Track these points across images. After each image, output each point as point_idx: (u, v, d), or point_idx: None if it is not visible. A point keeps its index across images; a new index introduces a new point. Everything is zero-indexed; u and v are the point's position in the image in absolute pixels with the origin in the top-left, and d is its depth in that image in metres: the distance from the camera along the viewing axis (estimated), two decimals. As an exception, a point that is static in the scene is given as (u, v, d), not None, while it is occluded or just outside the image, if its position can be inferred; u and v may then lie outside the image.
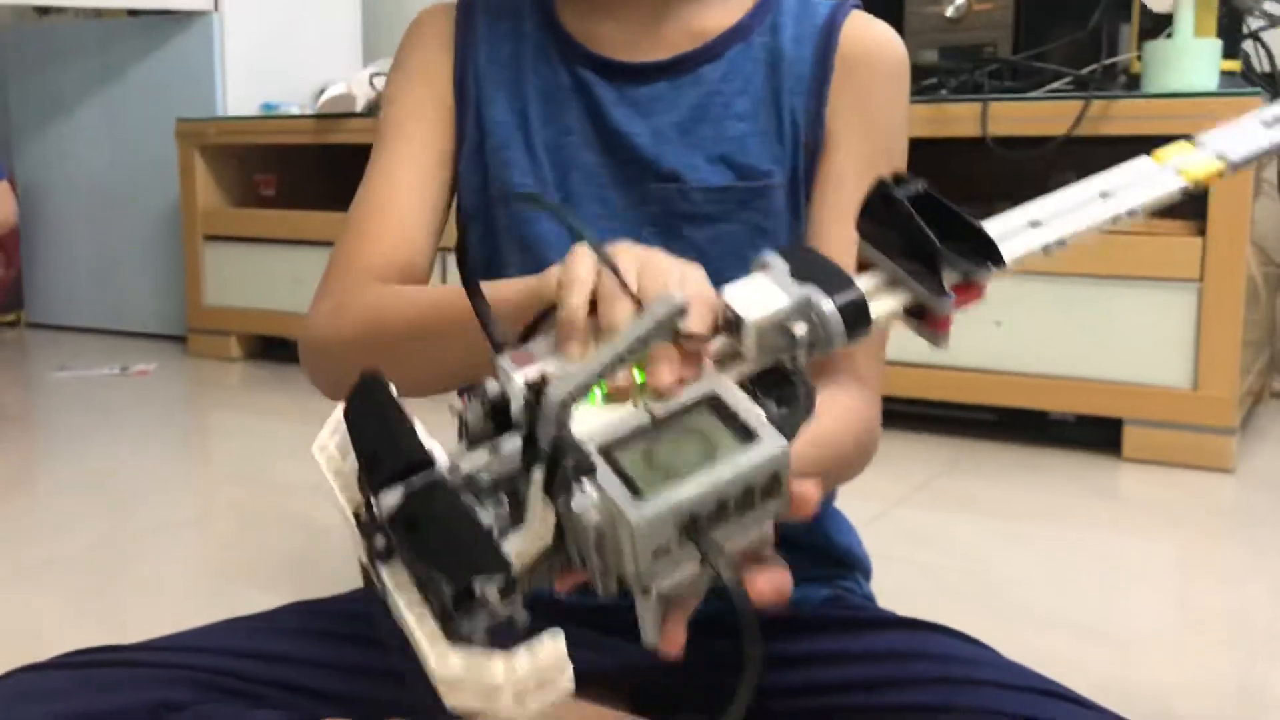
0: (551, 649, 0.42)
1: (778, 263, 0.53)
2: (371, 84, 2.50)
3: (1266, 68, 1.98)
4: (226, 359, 2.67)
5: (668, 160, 0.79)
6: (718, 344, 0.52)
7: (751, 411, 0.49)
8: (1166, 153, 0.59)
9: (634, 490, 0.46)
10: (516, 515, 0.47)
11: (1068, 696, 0.70)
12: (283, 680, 0.78)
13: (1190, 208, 1.80)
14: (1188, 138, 0.60)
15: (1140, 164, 0.59)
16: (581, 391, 0.46)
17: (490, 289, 0.63)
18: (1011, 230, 0.55)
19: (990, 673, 0.73)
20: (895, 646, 0.76)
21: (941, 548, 1.42)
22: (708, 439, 0.48)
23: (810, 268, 0.52)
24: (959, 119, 1.88)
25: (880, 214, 0.53)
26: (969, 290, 0.52)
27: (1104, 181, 0.58)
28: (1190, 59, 1.79)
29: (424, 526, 0.44)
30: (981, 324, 1.89)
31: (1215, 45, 1.81)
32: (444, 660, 0.42)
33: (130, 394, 2.33)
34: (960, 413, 2.00)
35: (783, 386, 0.51)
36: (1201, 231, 1.75)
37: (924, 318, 0.53)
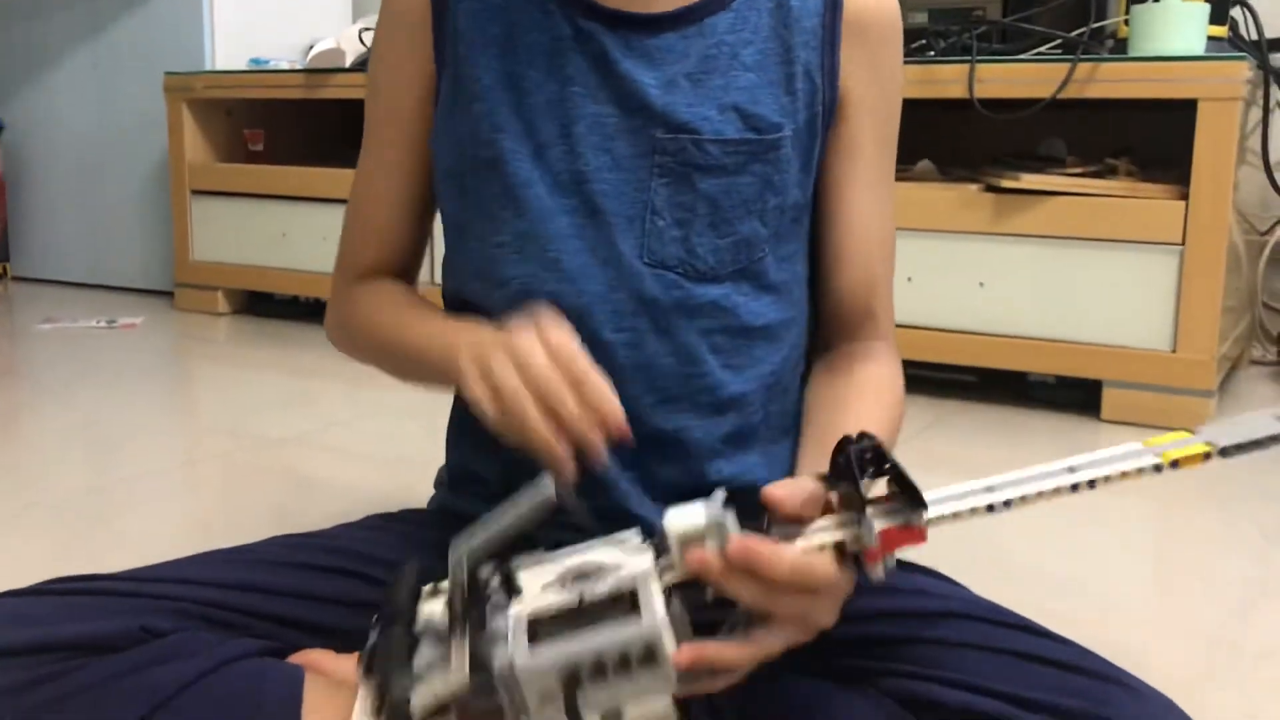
0: None
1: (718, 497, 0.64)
2: (360, 39, 2.49)
3: (1253, 34, 1.99)
4: (214, 313, 2.67)
5: (680, 111, 0.78)
6: (664, 560, 0.63)
7: (652, 599, 0.60)
8: (1159, 441, 0.63)
9: (531, 637, 0.60)
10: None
11: (1038, 630, 0.71)
12: (263, 610, 0.79)
13: (1174, 172, 1.81)
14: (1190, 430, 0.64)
15: (1127, 448, 0.64)
16: (474, 552, 0.63)
17: (423, 331, 0.81)
18: (964, 493, 0.64)
19: (962, 606, 0.75)
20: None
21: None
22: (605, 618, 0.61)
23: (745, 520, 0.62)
24: (947, 81, 1.88)
25: (838, 464, 0.64)
26: (900, 534, 0.61)
27: (1076, 460, 0.66)
28: (1178, 23, 1.79)
29: (378, 655, 0.64)
30: (964, 285, 1.90)
31: (1203, 10, 1.81)
32: None
33: (117, 346, 2.33)
34: (941, 374, 2.01)
35: (697, 592, 0.62)
36: (1184, 195, 1.76)
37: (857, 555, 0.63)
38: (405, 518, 0.91)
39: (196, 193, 2.67)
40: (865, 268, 0.85)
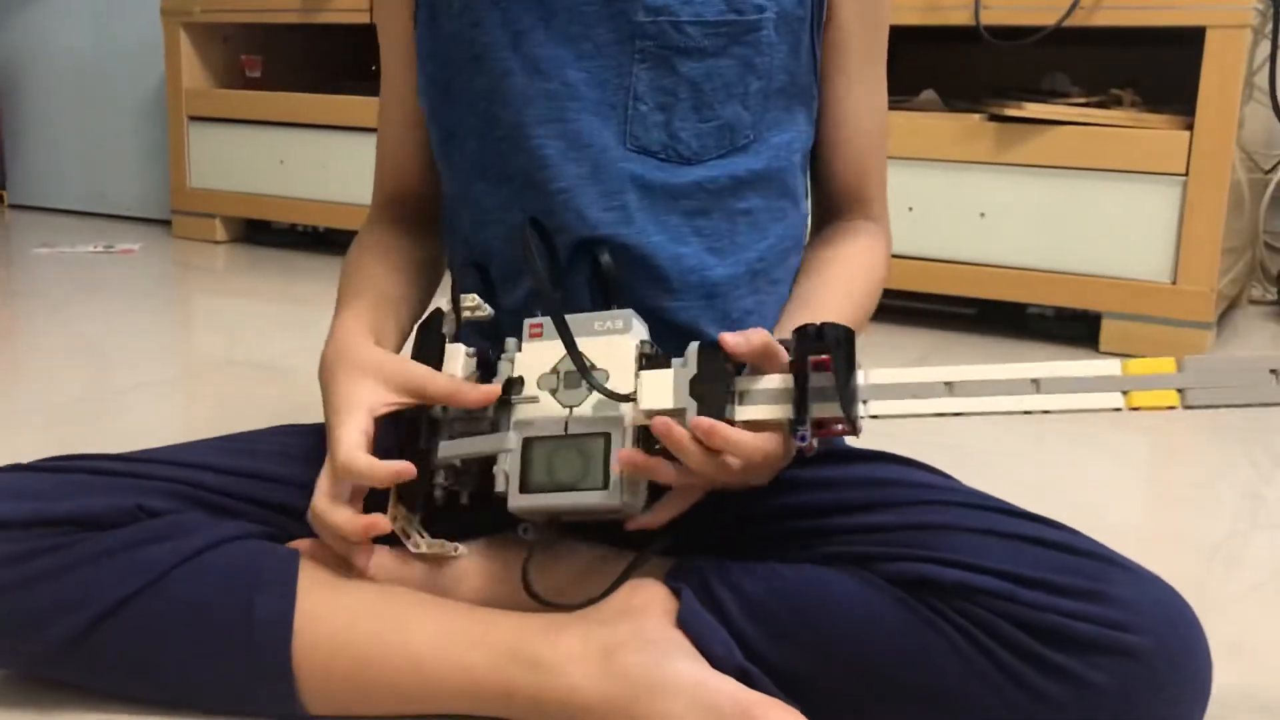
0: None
1: (692, 364, 0.70)
2: (360, -36, 2.45)
3: (1264, -34, 1.96)
4: (211, 241, 2.66)
5: None
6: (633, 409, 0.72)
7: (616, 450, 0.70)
8: (1136, 366, 0.64)
9: (522, 486, 0.72)
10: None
11: (1036, 517, 0.72)
12: (259, 497, 0.79)
13: (1178, 106, 1.79)
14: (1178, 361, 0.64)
15: (1099, 366, 0.64)
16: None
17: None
18: (921, 385, 0.67)
19: (957, 496, 0.75)
20: (870, 474, 0.78)
21: (919, 429, 1.43)
22: (585, 469, 0.71)
23: (709, 380, 0.69)
24: (951, 7, 1.86)
25: (800, 343, 0.68)
26: (832, 425, 0.67)
27: (1042, 370, 0.66)
28: (1187, -49, 1.77)
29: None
30: (964, 216, 1.89)
31: (1213, -62, 1.78)
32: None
33: (114, 271, 2.32)
34: (940, 305, 2.01)
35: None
36: (1189, 126, 1.74)
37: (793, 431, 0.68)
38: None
39: (194, 119, 2.65)
40: (856, 157, 0.87)
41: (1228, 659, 0.76)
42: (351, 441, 0.72)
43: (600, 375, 0.73)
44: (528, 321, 0.78)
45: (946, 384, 0.67)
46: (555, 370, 0.75)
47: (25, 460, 0.79)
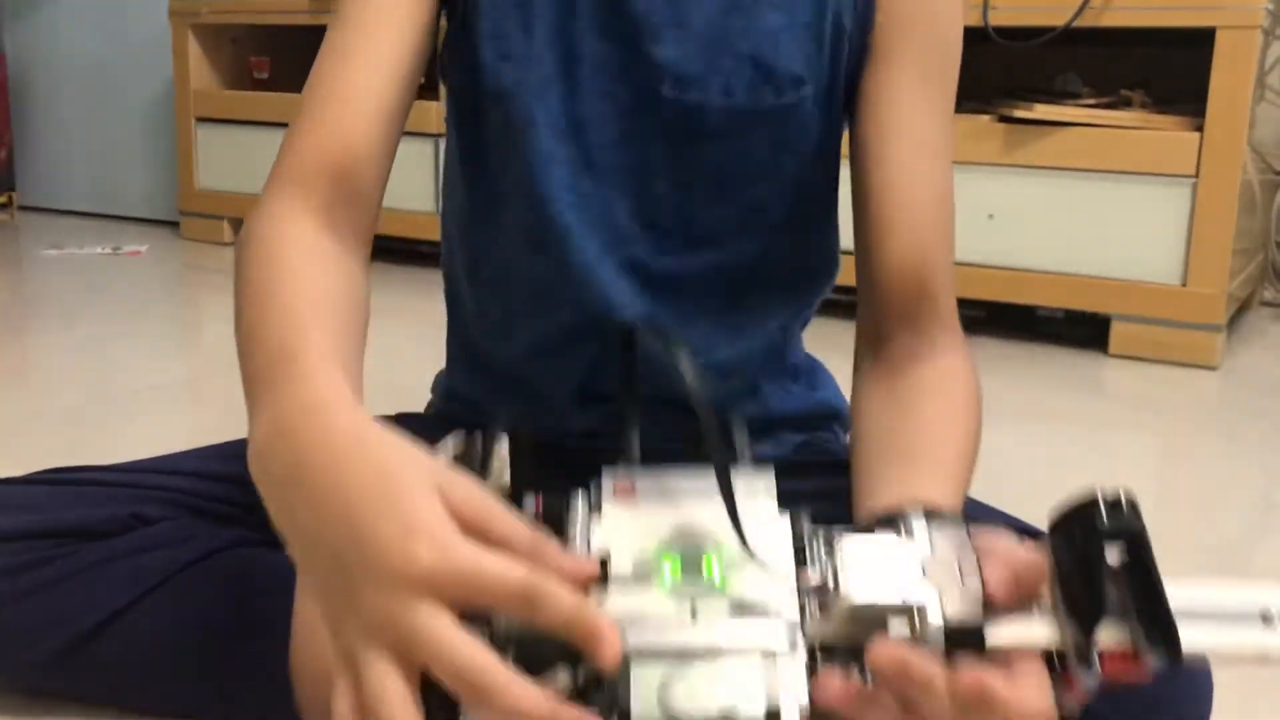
0: None
1: (921, 537, 0.49)
2: (368, -35, 2.45)
3: (1276, -34, 1.95)
4: (219, 243, 2.66)
5: (690, 64, 0.69)
6: (809, 584, 0.49)
7: (791, 695, 0.45)
8: None
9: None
10: None
11: (1038, 533, 0.71)
12: (254, 503, 0.78)
13: (1189, 107, 1.78)
14: None
15: None
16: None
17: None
18: (1216, 610, 0.46)
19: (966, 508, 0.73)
20: None
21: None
22: (732, 699, 0.45)
23: (948, 556, 0.48)
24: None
25: (1071, 535, 0.47)
26: (1126, 663, 0.45)
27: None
28: (1198, -49, 1.75)
29: None
30: (974, 218, 1.88)
31: (1224, -63, 1.77)
32: None
33: (122, 272, 2.33)
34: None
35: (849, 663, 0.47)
36: (1199, 127, 1.73)
37: (1059, 668, 0.47)
38: (402, 420, 0.90)
39: (202, 120, 2.65)
40: (913, 233, 0.70)
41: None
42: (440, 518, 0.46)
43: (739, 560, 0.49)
44: (610, 473, 0.53)
45: (1264, 616, 0.46)
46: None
47: (25, 470, 0.79)
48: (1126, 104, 1.87)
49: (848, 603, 0.46)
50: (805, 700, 0.45)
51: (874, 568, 0.48)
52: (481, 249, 0.79)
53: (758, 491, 0.52)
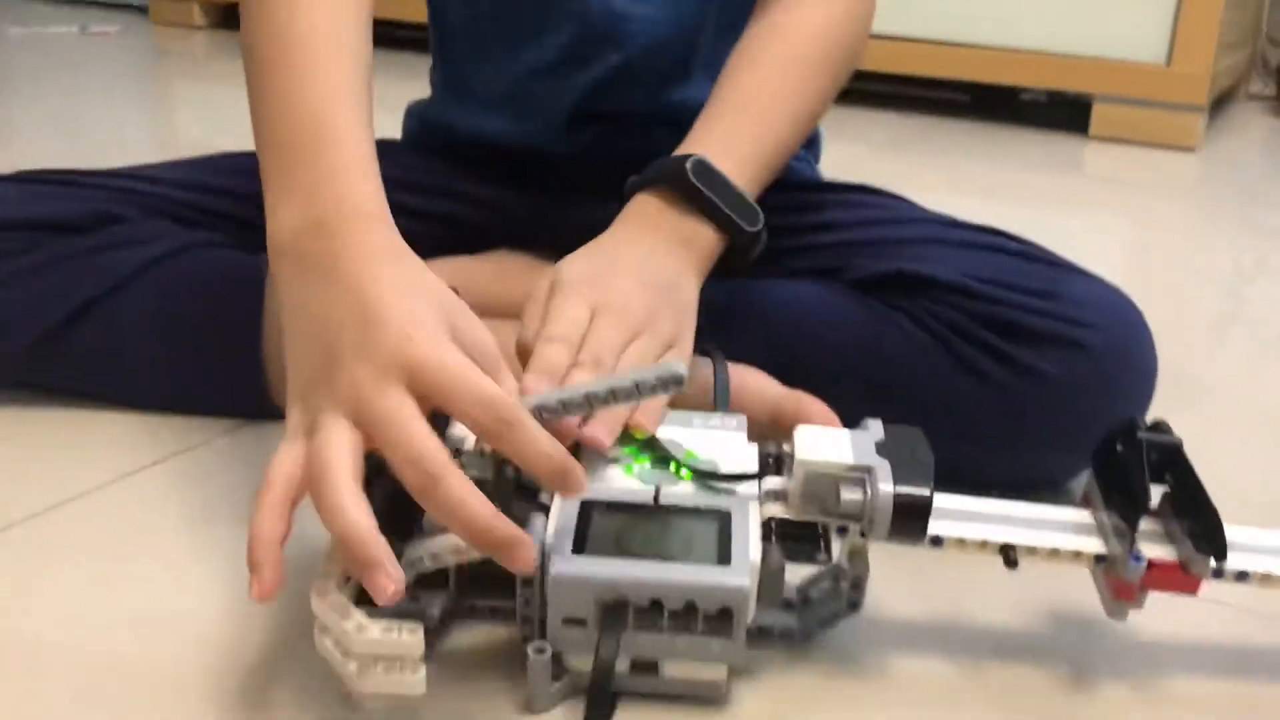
0: (410, 640, 0.44)
1: (875, 430, 0.51)
2: None
3: None
4: (189, 26, 2.59)
5: None
6: (770, 481, 0.51)
7: (745, 542, 0.48)
8: None
9: (578, 548, 0.47)
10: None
11: (1001, 233, 0.72)
12: (225, 211, 0.79)
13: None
14: None
15: None
16: (548, 409, 0.47)
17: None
18: (1260, 544, 0.50)
19: (925, 215, 0.76)
20: (842, 199, 0.78)
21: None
22: (689, 544, 0.48)
23: (901, 452, 0.49)
24: None
25: (1115, 452, 0.50)
26: (1174, 574, 0.48)
27: None
28: None
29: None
30: (961, -5, 1.84)
31: None
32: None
33: (90, 54, 2.27)
34: (934, 92, 1.97)
35: (809, 552, 0.49)
36: (1194, -102, 1.69)
37: (1109, 574, 0.50)
38: (381, 147, 0.89)
39: (168, -103, 2.55)
40: None
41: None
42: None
43: (705, 464, 0.53)
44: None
45: None
46: (634, 452, 0.54)
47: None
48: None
49: (803, 468, 0.49)
50: (757, 557, 0.48)
51: (826, 443, 0.50)
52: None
53: (730, 427, 0.55)
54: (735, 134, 0.66)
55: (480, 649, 0.52)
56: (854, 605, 0.51)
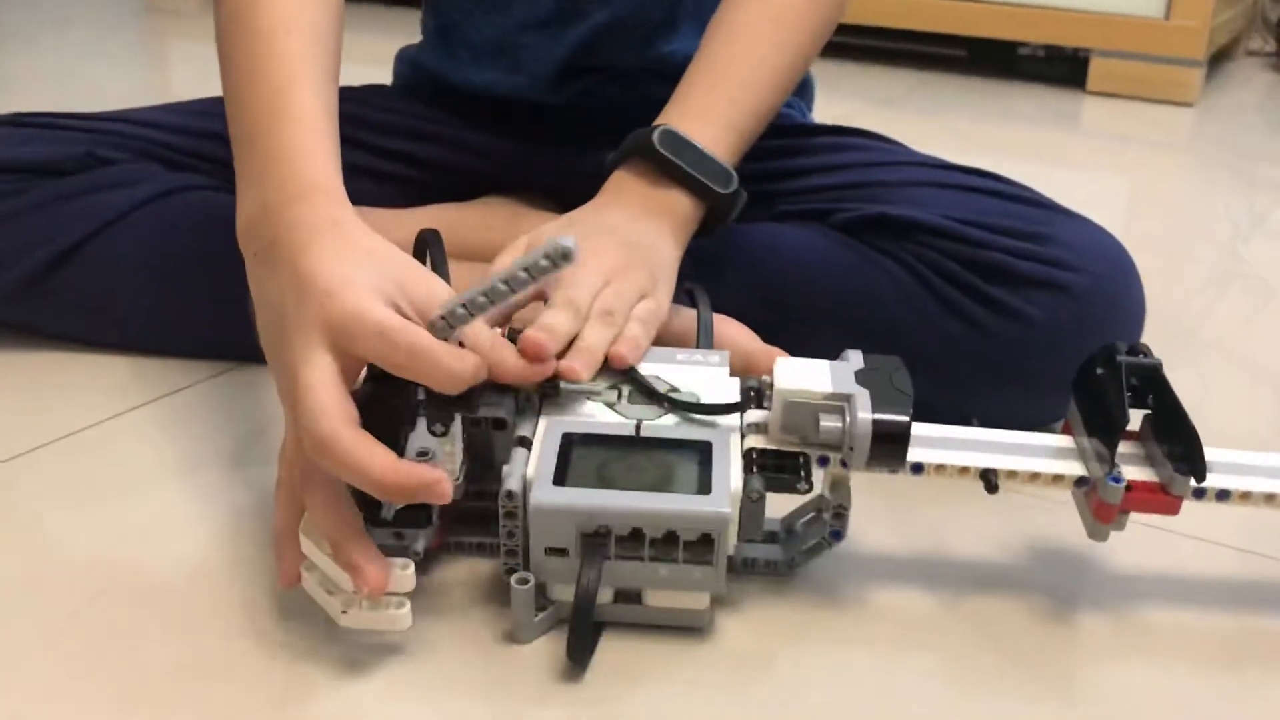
0: (401, 576, 0.46)
1: (855, 361, 0.51)
2: None
3: None
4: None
5: None
6: (751, 414, 0.52)
7: (726, 474, 0.48)
8: None
9: (559, 480, 0.47)
10: None
11: (989, 174, 0.72)
12: (212, 154, 0.78)
13: None
14: None
15: None
16: (454, 315, 0.46)
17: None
18: (1240, 464, 0.50)
19: (914, 158, 0.76)
20: (831, 143, 0.77)
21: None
22: (670, 475, 0.48)
23: (879, 380, 0.50)
24: None
25: (1094, 376, 0.51)
26: (1155, 495, 0.48)
27: None
28: None
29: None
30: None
31: None
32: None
33: (81, 7, 2.25)
34: (930, 47, 1.96)
35: (791, 483, 0.50)
36: None
37: (1090, 496, 0.50)
38: (371, 91, 0.88)
39: None
40: None
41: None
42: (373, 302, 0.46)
43: (687, 397, 0.53)
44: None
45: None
46: (615, 387, 0.54)
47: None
48: None
49: (782, 397, 0.49)
50: (738, 485, 0.48)
51: (805, 373, 0.50)
52: None
53: (712, 363, 0.56)
54: (711, 99, 0.66)
55: (464, 582, 0.53)
56: (837, 535, 0.52)
